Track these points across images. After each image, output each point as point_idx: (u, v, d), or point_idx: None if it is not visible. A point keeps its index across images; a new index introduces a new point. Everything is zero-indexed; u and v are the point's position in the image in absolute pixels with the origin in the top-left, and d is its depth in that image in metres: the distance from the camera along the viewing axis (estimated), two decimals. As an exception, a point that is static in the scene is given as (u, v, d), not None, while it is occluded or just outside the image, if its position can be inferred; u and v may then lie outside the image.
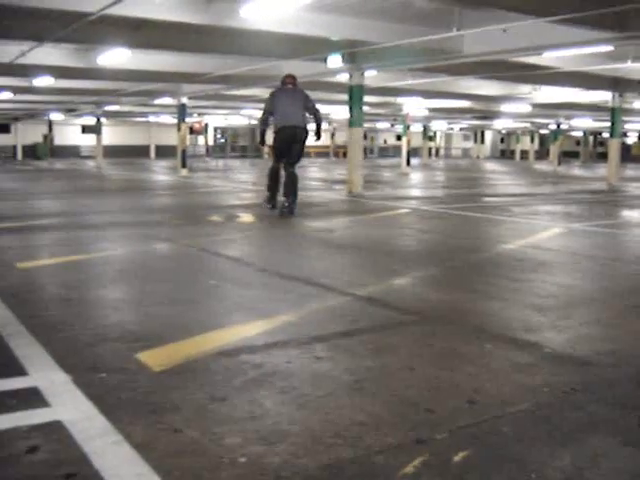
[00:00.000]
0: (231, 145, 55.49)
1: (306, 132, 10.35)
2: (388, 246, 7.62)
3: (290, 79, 10.65)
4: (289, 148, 10.33)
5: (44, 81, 19.36)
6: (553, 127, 41.06)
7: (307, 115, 10.47)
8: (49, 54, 15.52)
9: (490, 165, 41.42)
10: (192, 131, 36.49)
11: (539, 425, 2.63)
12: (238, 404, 2.80)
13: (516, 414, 2.73)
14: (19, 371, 3.17)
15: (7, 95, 24.47)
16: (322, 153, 54.47)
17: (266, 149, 37.71)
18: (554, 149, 41.18)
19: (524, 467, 2.30)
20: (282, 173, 10.57)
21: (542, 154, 58.67)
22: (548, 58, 14.59)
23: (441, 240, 8.31)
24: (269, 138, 10.56)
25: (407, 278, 5.65)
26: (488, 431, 2.56)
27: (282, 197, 10.46)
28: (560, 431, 2.58)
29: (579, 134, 57.98)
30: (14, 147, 46.66)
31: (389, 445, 2.44)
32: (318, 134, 10.70)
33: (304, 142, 10.41)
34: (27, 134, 46.75)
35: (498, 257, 6.86)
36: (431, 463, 2.31)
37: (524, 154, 57.63)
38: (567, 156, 53.03)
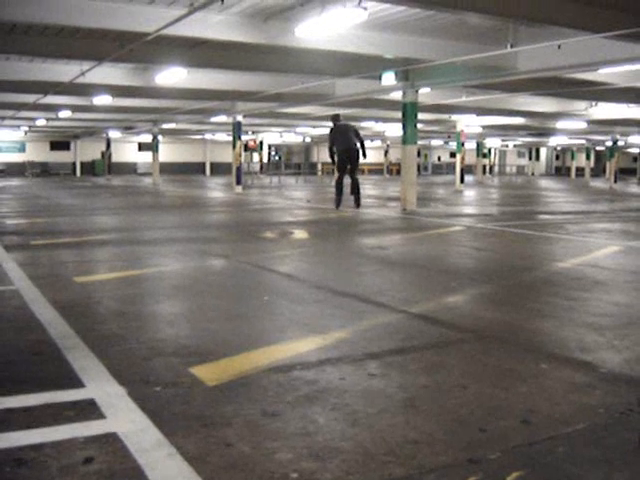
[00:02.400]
0: (285, 162, 55.82)
1: (357, 152, 14.84)
2: (442, 264, 7.57)
3: (337, 118, 15.26)
4: (346, 165, 14.98)
5: (103, 100, 19.74)
6: (609, 144, 40.39)
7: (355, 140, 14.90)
8: (108, 73, 15.87)
9: (545, 182, 40.91)
10: (247, 148, 36.82)
11: (594, 446, 2.58)
12: (290, 420, 2.81)
13: (571, 435, 2.69)
14: (76, 383, 3.23)
15: (66, 114, 25.01)
16: (376, 170, 54.53)
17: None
18: (610, 166, 40.48)
19: (579, 489, 2.26)
20: (345, 182, 15.03)
21: (598, 171, 57.86)
22: (604, 74, 14.42)
23: (495, 258, 8.23)
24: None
25: (461, 296, 5.62)
26: (542, 451, 2.53)
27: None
28: (616, 453, 2.53)
29: (636, 151, 57.03)
30: (73, 164, 47.79)
31: (441, 464, 2.42)
32: (364, 154, 14.92)
33: (357, 159, 14.91)
34: (86, 151, 47.88)
35: (553, 275, 6.77)
36: (484, 482, 2.28)
37: (580, 171, 56.86)
38: (624, 173, 52.15)
